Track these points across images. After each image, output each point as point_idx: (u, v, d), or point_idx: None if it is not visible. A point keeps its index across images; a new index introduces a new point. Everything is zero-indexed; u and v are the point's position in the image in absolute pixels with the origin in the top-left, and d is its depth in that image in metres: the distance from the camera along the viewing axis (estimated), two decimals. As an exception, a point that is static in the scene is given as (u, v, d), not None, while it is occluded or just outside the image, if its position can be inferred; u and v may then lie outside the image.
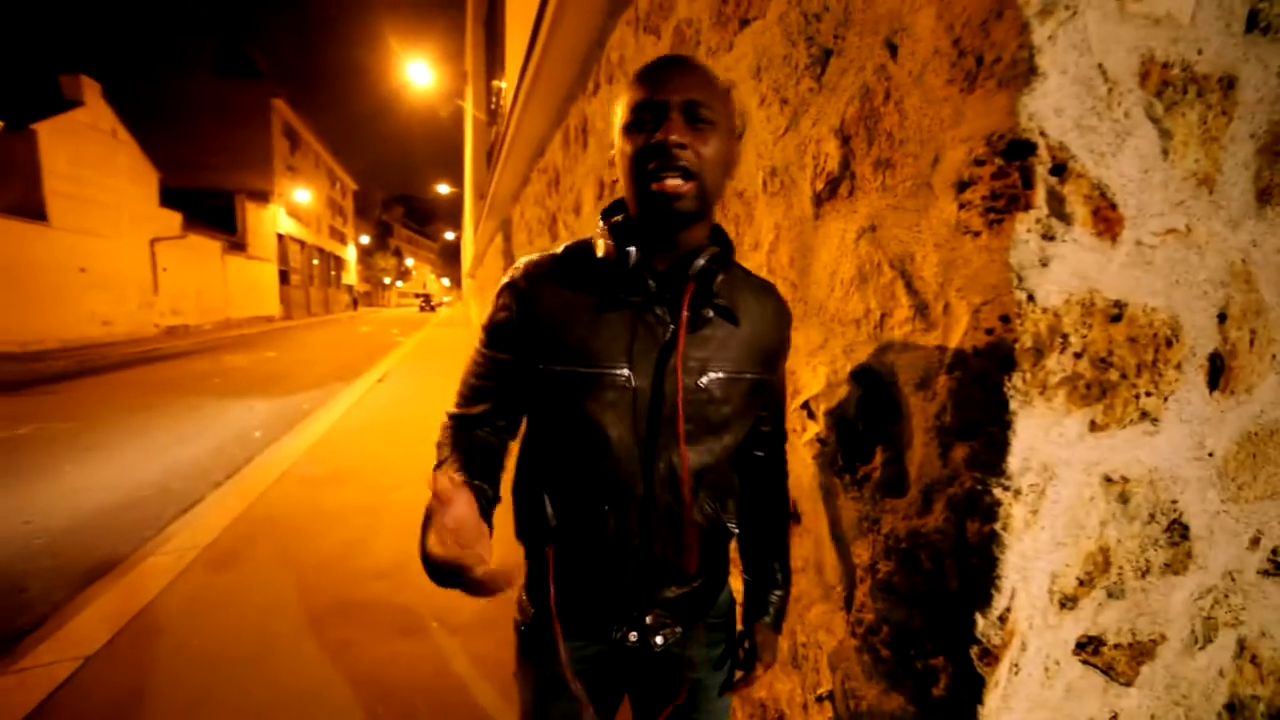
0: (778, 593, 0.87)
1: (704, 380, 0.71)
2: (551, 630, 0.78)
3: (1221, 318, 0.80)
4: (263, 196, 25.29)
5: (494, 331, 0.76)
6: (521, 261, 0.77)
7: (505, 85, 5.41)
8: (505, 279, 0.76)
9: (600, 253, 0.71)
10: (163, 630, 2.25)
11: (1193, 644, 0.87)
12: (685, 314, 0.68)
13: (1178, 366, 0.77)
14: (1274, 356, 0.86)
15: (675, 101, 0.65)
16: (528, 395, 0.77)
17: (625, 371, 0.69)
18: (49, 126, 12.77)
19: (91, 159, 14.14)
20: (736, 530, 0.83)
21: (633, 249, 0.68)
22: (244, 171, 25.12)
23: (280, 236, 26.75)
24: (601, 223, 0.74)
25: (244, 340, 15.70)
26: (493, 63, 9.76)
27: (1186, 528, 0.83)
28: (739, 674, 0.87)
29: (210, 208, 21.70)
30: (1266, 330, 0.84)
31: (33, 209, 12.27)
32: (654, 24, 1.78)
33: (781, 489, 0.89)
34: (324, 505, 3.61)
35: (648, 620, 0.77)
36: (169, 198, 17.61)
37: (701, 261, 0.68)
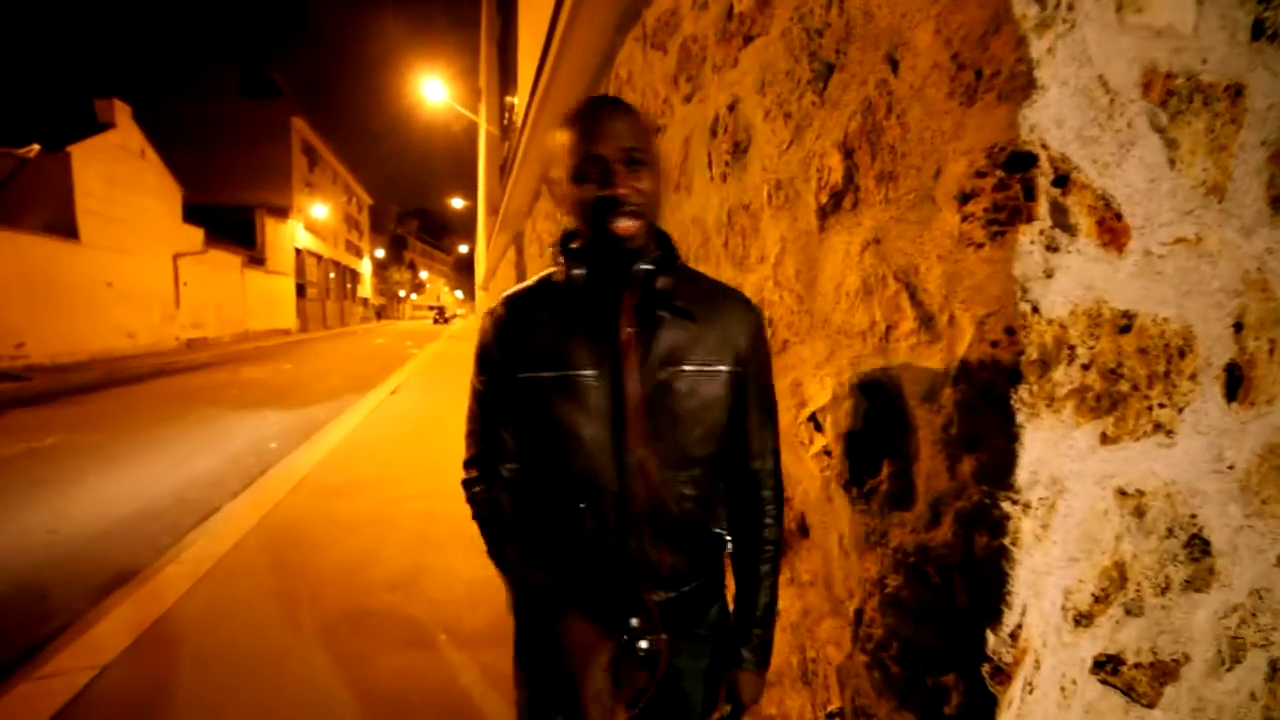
0: (757, 631, 0.82)
1: (664, 374, 0.76)
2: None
3: (1238, 327, 0.78)
4: (282, 212, 25.87)
5: (481, 357, 0.83)
6: (503, 295, 0.86)
7: (517, 102, 5.52)
8: (487, 310, 0.84)
9: (559, 278, 0.80)
10: (179, 639, 2.28)
11: (1219, 665, 0.85)
12: (627, 315, 0.75)
13: (1192, 377, 0.76)
14: (1294, 367, 0.84)
15: (614, 154, 0.71)
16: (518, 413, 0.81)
17: (590, 372, 0.75)
18: (82, 148, 13.24)
19: (121, 178, 14.61)
20: (729, 538, 0.83)
21: (579, 270, 0.76)
22: (264, 188, 25.74)
23: (298, 251, 27.30)
24: (557, 252, 0.81)
25: (262, 352, 16.01)
26: (506, 79, 9.95)
27: (1207, 543, 0.81)
28: (723, 709, 0.83)
29: (231, 223, 22.24)
30: (1285, 340, 0.82)
31: (65, 227, 12.70)
32: (661, 41, 1.81)
33: (766, 507, 0.83)
34: (337, 516, 3.64)
35: (633, 623, 0.77)
36: (191, 214, 18.10)
37: (642, 266, 0.74)
